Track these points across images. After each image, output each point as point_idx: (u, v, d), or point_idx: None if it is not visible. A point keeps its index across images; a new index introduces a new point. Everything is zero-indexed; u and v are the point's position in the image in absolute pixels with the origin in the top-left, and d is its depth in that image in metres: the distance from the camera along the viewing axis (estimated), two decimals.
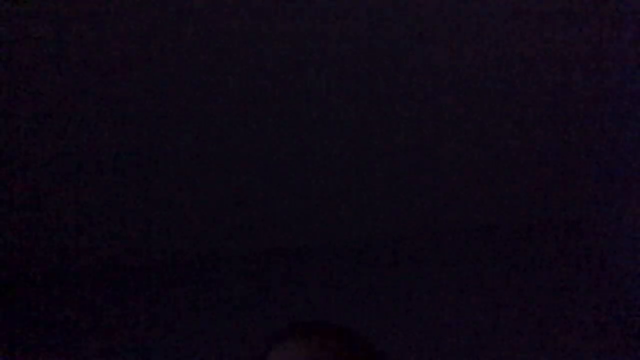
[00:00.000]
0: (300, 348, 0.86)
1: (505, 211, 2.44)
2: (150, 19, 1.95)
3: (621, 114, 2.09)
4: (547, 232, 2.46)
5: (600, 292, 2.32)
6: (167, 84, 2.09)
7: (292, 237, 2.50)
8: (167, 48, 2.01)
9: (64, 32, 1.96)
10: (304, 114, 2.16)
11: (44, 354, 2.43)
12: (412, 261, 2.46)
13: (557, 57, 2.05)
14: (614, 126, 2.15)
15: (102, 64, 2.03)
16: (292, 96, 2.12)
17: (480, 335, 2.31)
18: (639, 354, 2.21)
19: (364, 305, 2.40)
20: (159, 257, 2.54)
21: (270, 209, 2.39)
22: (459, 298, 2.37)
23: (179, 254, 2.53)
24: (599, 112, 2.16)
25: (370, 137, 2.22)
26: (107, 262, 2.55)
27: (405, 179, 2.33)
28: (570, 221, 2.45)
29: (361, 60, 2.05)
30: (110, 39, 1.98)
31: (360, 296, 2.42)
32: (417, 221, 2.46)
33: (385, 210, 2.42)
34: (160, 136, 2.20)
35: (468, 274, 2.41)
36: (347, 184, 2.34)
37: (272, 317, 2.40)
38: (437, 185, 2.35)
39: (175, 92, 2.10)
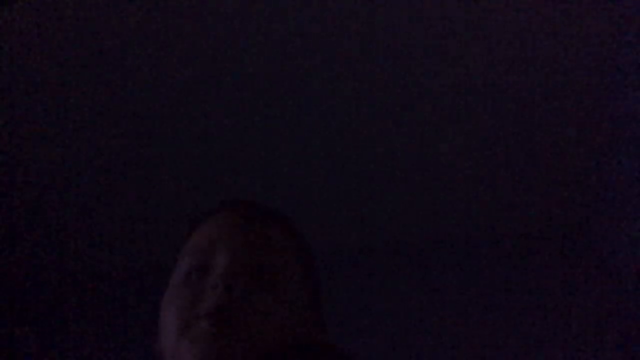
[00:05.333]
0: (229, 215, 0.92)
1: (505, 214, 2.44)
2: (148, 17, 1.95)
3: (621, 116, 2.10)
4: (547, 234, 2.46)
5: (600, 293, 2.33)
6: (166, 85, 2.09)
7: None
8: (166, 47, 2.01)
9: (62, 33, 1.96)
10: (305, 118, 2.16)
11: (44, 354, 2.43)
12: (414, 266, 2.46)
13: (557, 58, 2.05)
14: (614, 126, 2.15)
15: (102, 65, 2.03)
16: (293, 99, 2.12)
17: (481, 337, 2.31)
18: (639, 353, 2.21)
19: (364, 310, 2.40)
20: (158, 259, 2.54)
21: None
22: (458, 298, 2.37)
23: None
24: (599, 113, 2.17)
25: (372, 141, 2.22)
26: (107, 264, 2.55)
27: (408, 185, 2.33)
28: (571, 224, 2.45)
29: (364, 64, 2.05)
30: (109, 37, 1.98)
31: (360, 300, 2.42)
32: (420, 226, 2.46)
33: (386, 216, 2.42)
34: (159, 137, 2.20)
35: (467, 277, 2.41)
36: (348, 189, 2.34)
37: None
38: (438, 190, 2.35)
39: (174, 93, 2.10)
